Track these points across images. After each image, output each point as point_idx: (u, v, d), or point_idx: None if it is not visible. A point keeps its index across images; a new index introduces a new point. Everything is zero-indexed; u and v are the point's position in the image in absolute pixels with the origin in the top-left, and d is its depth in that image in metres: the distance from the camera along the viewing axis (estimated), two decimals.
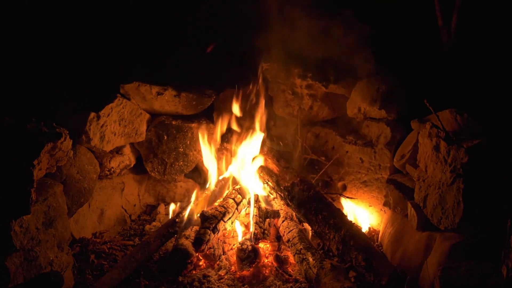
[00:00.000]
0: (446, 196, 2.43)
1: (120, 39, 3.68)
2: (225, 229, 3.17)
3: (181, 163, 3.80)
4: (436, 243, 2.49)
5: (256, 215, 3.23)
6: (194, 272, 2.88)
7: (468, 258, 2.25)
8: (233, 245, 3.16)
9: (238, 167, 3.48)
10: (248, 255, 2.90)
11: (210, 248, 3.03)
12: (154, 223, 3.66)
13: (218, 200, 3.37)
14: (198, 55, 3.85)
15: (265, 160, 3.42)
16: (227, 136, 3.75)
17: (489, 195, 2.30)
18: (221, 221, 3.07)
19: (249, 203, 3.32)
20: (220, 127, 3.69)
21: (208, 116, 4.00)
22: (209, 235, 2.95)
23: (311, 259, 2.74)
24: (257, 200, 3.36)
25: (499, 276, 1.98)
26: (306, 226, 3.17)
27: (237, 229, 3.23)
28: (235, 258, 2.96)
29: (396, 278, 2.48)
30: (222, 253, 3.08)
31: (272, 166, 3.35)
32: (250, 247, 2.93)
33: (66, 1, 3.51)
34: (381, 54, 3.36)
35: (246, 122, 3.64)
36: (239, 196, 3.35)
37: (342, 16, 3.45)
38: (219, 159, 3.74)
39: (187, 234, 3.03)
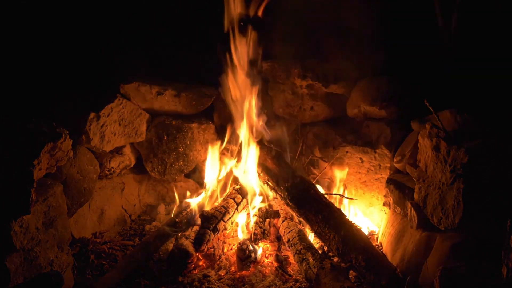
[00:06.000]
0: (446, 196, 2.43)
1: (120, 38, 3.68)
2: (225, 229, 3.17)
3: (181, 163, 3.81)
4: (436, 243, 2.49)
5: (256, 215, 3.23)
6: (194, 272, 2.88)
7: (468, 258, 2.25)
8: (233, 245, 3.16)
9: (238, 167, 3.48)
10: (248, 255, 2.90)
11: (210, 248, 3.03)
12: (154, 223, 3.66)
13: (218, 200, 3.37)
14: (198, 54, 3.85)
15: (265, 160, 3.41)
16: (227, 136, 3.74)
17: (489, 195, 2.30)
18: (221, 221, 3.07)
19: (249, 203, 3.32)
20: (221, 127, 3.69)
21: (208, 116, 4.00)
22: (209, 235, 2.95)
23: (311, 259, 2.74)
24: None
25: (499, 276, 1.98)
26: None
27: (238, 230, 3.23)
28: (235, 258, 2.97)
29: (396, 278, 2.48)
30: (222, 253, 3.08)
31: (272, 166, 3.34)
32: (250, 247, 2.93)
33: (66, 0, 3.51)
34: (382, 54, 3.36)
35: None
36: (239, 196, 3.35)
37: None
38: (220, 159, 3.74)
39: (187, 234, 3.03)
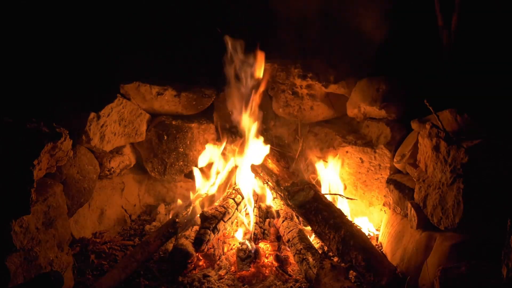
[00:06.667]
0: (446, 196, 2.43)
1: (120, 38, 3.68)
2: (225, 229, 3.17)
3: (181, 163, 3.81)
4: (436, 243, 2.49)
5: (256, 215, 3.23)
6: (194, 272, 2.88)
7: (468, 258, 2.25)
8: (233, 245, 3.16)
9: (238, 167, 3.48)
10: (248, 255, 2.90)
11: (210, 248, 3.03)
12: (154, 223, 3.66)
13: (218, 200, 3.37)
14: (198, 54, 3.85)
15: (265, 160, 3.41)
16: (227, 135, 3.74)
17: (489, 195, 2.30)
18: (221, 221, 3.07)
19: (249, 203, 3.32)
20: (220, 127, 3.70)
21: (208, 116, 4.00)
22: (209, 235, 2.95)
23: (311, 259, 2.74)
24: (257, 200, 3.36)
25: (499, 276, 1.98)
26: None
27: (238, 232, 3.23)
28: (235, 258, 2.97)
29: (396, 278, 2.48)
30: (222, 253, 3.08)
31: (272, 166, 3.35)
32: (250, 247, 2.93)
33: (66, 0, 3.51)
34: (382, 54, 3.36)
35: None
36: (239, 196, 3.35)
37: None
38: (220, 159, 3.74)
39: (187, 234, 3.03)
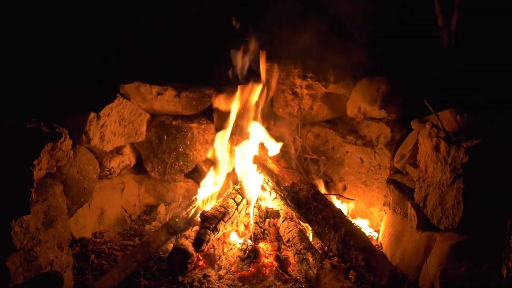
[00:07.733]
0: (446, 196, 2.43)
1: (120, 38, 3.68)
2: (225, 229, 3.17)
3: (181, 163, 3.81)
4: (436, 243, 2.49)
5: (256, 215, 3.23)
6: (194, 272, 2.88)
7: (468, 258, 2.25)
8: (233, 245, 3.16)
9: (238, 166, 3.48)
10: (248, 255, 2.90)
11: (210, 248, 3.03)
12: (154, 223, 3.66)
13: (218, 200, 3.37)
14: (198, 54, 3.85)
15: (265, 160, 3.41)
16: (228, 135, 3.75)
17: (489, 195, 2.30)
18: (221, 221, 3.07)
19: (249, 203, 3.32)
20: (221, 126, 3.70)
21: (208, 116, 4.00)
22: (209, 235, 2.95)
23: (311, 259, 2.74)
24: (257, 200, 3.36)
25: (499, 276, 1.98)
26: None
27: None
28: (235, 258, 2.97)
29: (396, 278, 2.48)
30: (222, 253, 3.08)
31: (272, 166, 3.35)
32: (250, 247, 2.93)
33: (65, 0, 3.51)
34: (382, 54, 3.36)
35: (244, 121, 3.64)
36: (239, 196, 3.35)
37: None
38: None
39: (187, 234, 3.03)
